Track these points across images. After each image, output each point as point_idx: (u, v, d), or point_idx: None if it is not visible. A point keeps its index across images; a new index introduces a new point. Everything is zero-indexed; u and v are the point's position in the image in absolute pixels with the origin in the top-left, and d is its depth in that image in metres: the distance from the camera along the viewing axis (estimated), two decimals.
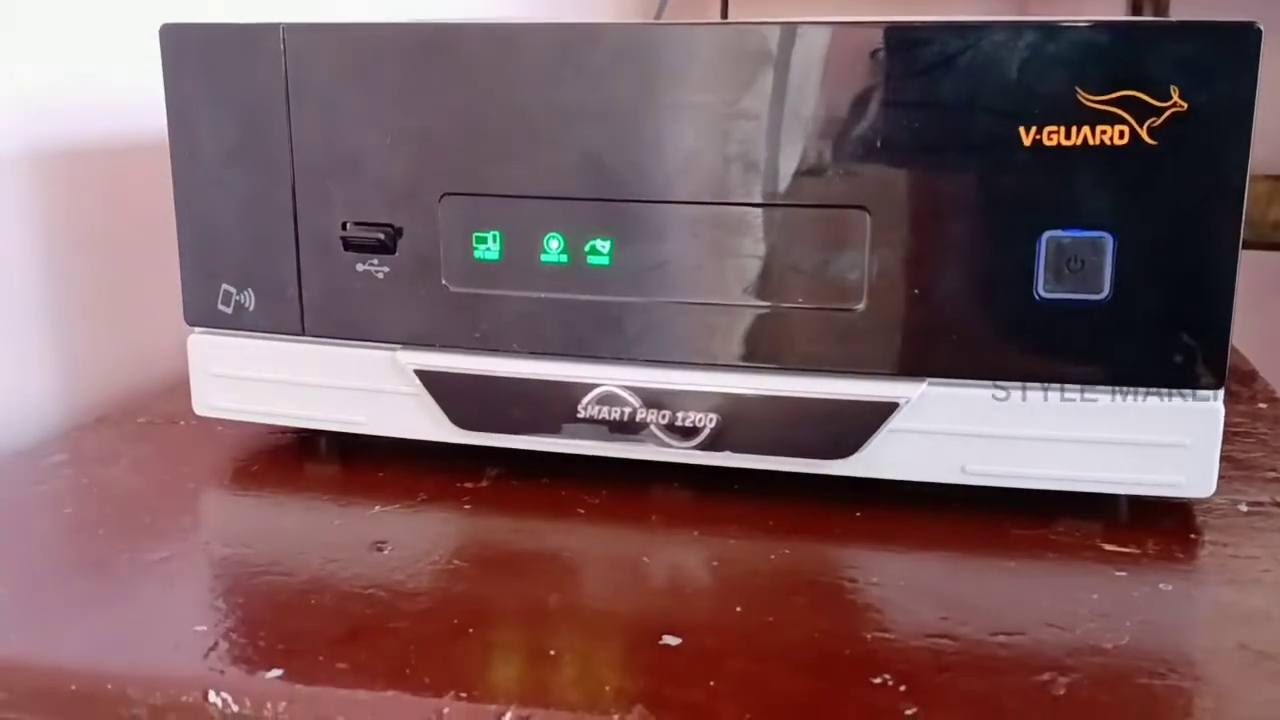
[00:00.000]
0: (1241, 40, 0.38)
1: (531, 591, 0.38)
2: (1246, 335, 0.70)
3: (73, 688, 0.33)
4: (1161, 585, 0.38)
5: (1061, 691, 0.31)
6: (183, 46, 0.46)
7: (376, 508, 0.44)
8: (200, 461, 0.49)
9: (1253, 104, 0.38)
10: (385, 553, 0.40)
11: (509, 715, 0.31)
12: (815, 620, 0.35)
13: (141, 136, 0.59)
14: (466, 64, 0.43)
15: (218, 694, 0.32)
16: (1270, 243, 1.22)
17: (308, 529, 0.43)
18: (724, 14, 1.35)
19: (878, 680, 0.32)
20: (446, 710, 0.31)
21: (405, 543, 0.41)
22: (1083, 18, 0.39)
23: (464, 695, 0.31)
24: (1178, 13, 1.24)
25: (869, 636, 0.34)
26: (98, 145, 0.59)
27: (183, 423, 0.53)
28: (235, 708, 0.32)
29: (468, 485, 0.46)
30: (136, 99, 0.57)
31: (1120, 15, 1.14)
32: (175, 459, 0.50)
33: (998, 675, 0.32)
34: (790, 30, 0.41)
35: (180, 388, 0.51)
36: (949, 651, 0.33)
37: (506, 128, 0.43)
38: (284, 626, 0.35)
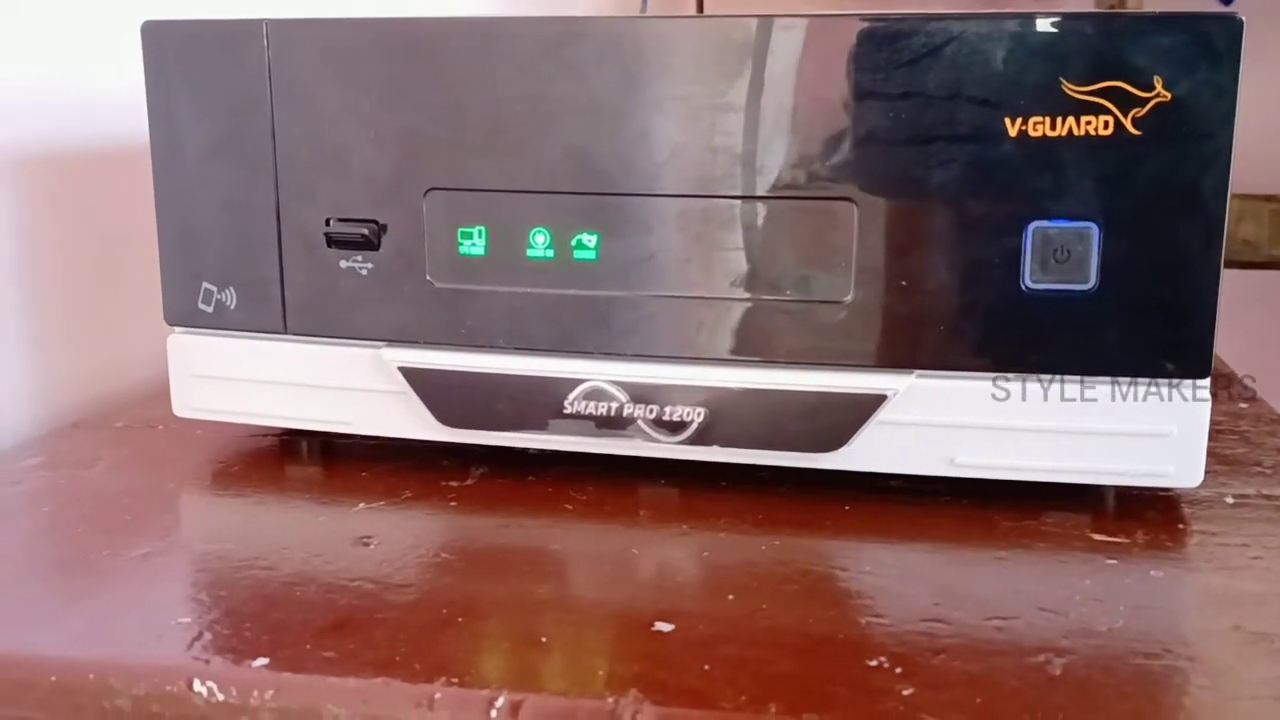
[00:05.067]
0: (1224, 31, 0.38)
1: (520, 583, 0.37)
2: (1220, 349, 0.70)
3: (53, 679, 0.32)
4: (1153, 572, 0.37)
5: (1058, 671, 0.31)
6: (164, 43, 0.46)
7: (360, 505, 0.43)
8: (180, 464, 0.49)
9: (1235, 93, 0.38)
10: (371, 547, 0.40)
11: (501, 700, 0.30)
12: (808, 607, 0.35)
13: (121, 137, 0.58)
14: (451, 59, 0.43)
15: (203, 683, 0.31)
16: (1241, 260, 1.23)
17: (290, 526, 0.42)
18: (699, 9, 1.36)
19: (873, 662, 0.32)
20: (438, 696, 0.30)
21: (390, 538, 0.40)
22: (1066, 10, 0.39)
23: (455, 681, 0.31)
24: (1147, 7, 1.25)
25: (863, 621, 0.34)
26: (76, 147, 0.58)
27: (161, 427, 0.53)
28: (221, 697, 0.31)
29: (453, 484, 0.45)
30: (116, 99, 0.57)
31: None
32: (154, 461, 0.49)
33: (993, 657, 0.32)
34: (776, 23, 0.41)
35: (159, 394, 0.51)
36: (943, 635, 0.33)
37: (491, 122, 0.43)
38: (269, 618, 0.35)
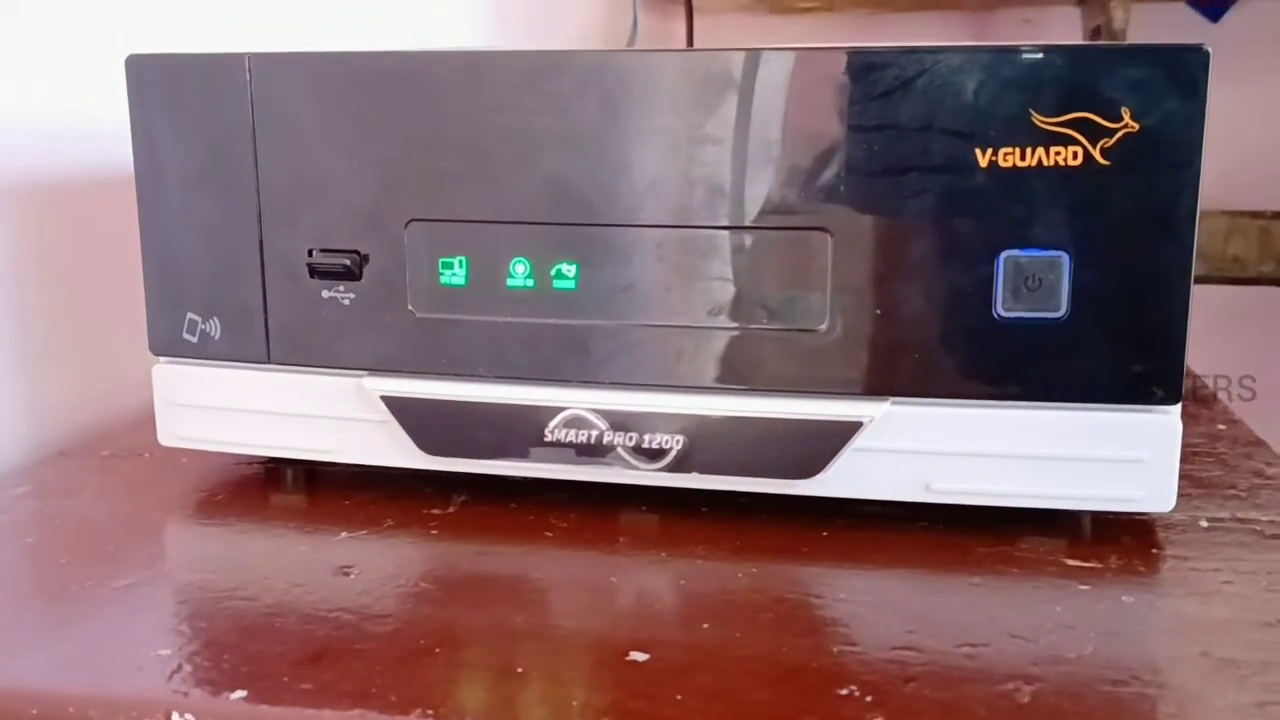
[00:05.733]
0: (1190, 62, 0.39)
1: (499, 612, 0.37)
2: (1208, 365, 0.71)
3: (34, 711, 0.32)
4: (1124, 598, 0.38)
5: (1026, 699, 0.32)
6: (149, 77, 0.47)
7: (342, 534, 0.44)
8: (164, 493, 0.49)
9: (1203, 123, 0.39)
10: (351, 577, 0.40)
11: None
12: (782, 635, 0.35)
13: (106, 167, 0.59)
14: (432, 91, 0.44)
15: (181, 715, 0.32)
16: (1229, 276, 1.23)
17: (272, 555, 0.42)
18: (689, 44, 1.37)
19: (844, 691, 0.32)
20: None
21: (371, 567, 0.41)
22: (1036, 42, 0.40)
23: (430, 713, 0.31)
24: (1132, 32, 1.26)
25: (835, 650, 0.34)
26: (61, 176, 0.58)
27: (147, 455, 0.53)
28: None
29: (435, 511, 0.46)
30: (106, 126, 0.57)
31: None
32: (139, 490, 0.49)
33: (963, 685, 0.32)
34: (753, 56, 0.41)
35: (144, 422, 0.51)
36: (915, 663, 0.34)
37: (472, 154, 0.44)
38: (248, 649, 0.35)
